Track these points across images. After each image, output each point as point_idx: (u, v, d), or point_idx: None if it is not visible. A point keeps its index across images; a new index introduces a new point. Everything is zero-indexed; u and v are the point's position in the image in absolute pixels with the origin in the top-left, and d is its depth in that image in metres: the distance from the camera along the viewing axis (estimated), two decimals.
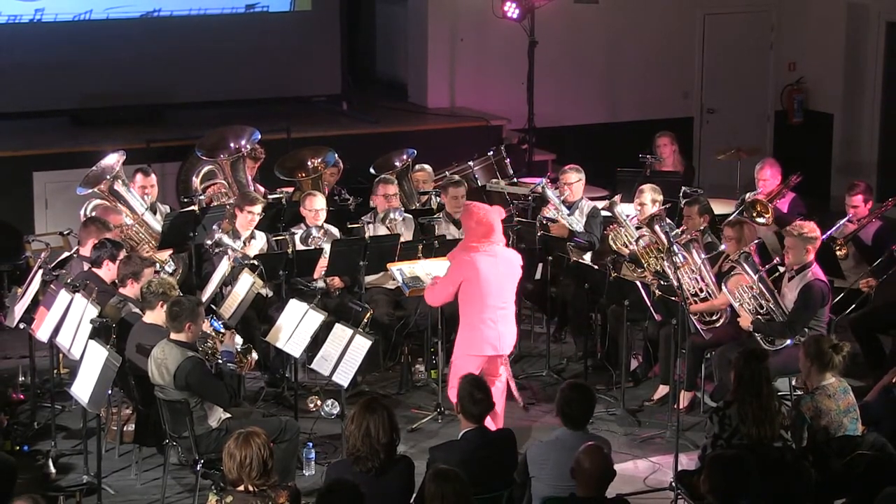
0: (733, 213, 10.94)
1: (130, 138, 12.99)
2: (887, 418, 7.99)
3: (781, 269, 9.41)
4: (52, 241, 10.28)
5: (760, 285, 9.13)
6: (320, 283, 10.38)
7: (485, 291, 8.73)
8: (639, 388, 10.24)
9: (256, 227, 10.36)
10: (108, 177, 10.47)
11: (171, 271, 9.79)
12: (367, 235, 10.42)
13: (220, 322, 8.49)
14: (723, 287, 9.29)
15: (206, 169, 11.37)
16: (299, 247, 10.34)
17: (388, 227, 10.59)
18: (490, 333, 8.75)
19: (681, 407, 9.44)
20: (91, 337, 8.24)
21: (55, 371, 9.69)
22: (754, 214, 10.76)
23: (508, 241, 9.61)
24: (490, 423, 7.46)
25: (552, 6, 14.06)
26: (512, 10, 13.89)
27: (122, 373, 8.31)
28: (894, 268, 10.22)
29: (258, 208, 10.24)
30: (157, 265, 9.71)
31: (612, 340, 10.33)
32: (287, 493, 6.53)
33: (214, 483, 7.75)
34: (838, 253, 10.36)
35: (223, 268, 9.61)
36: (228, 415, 8.20)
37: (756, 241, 9.52)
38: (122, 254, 9.39)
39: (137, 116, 14.01)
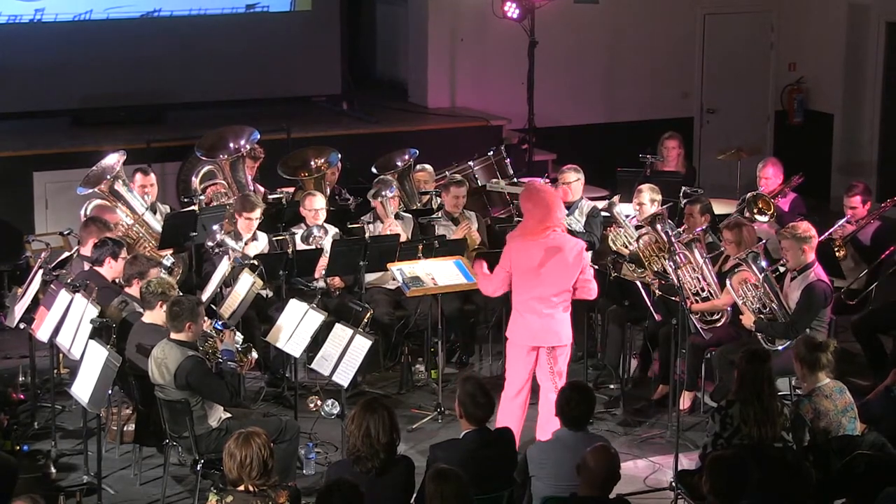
0: (734, 211, 10.93)
1: (130, 138, 12.99)
2: (887, 418, 7.99)
3: (783, 269, 9.40)
4: (52, 241, 10.27)
5: (765, 284, 9.12)
6: (320, 283, 10.38)
7: (521, 281, 8.62)
8: (639, 388, 10.24)
9: (257, 228, 10.36)
10: (109, 177, 10.47)
11: (169, 266, 9.77)
12: (367, 235, 10.42)
13: (221, 323, 8.49)
14: (727, 284, 9.27)
15: (205, 169, 11.37)
16: (300, 246, 10.34)
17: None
18: (527, 324, 8.63)
19: (682, 407, 9.44)
20: (91, 337, 8.25)
21: (55, 371, 9.68)
22: (755, 211, 10.74)
23: None
24: (491, 423, 7.45)
25: (552, 6, 14.05)
26: (512, 10, 13.87)
27: (123, 373, 8.31)
28: (894, 267, 10.22)
29: (256, 214, 10.21)
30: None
31: (613, 340, 10.32)
32: (287, 493, 6.53)
33: (214, 483, 7.75)
34: (837, 254, 10.35)
35: (223, 268, 9.60)
36: (228, 414, 8.20)
37: (762, 242, 9.50)
38: (124, 252, 9.40)
39: (137, 116, 13.99)
